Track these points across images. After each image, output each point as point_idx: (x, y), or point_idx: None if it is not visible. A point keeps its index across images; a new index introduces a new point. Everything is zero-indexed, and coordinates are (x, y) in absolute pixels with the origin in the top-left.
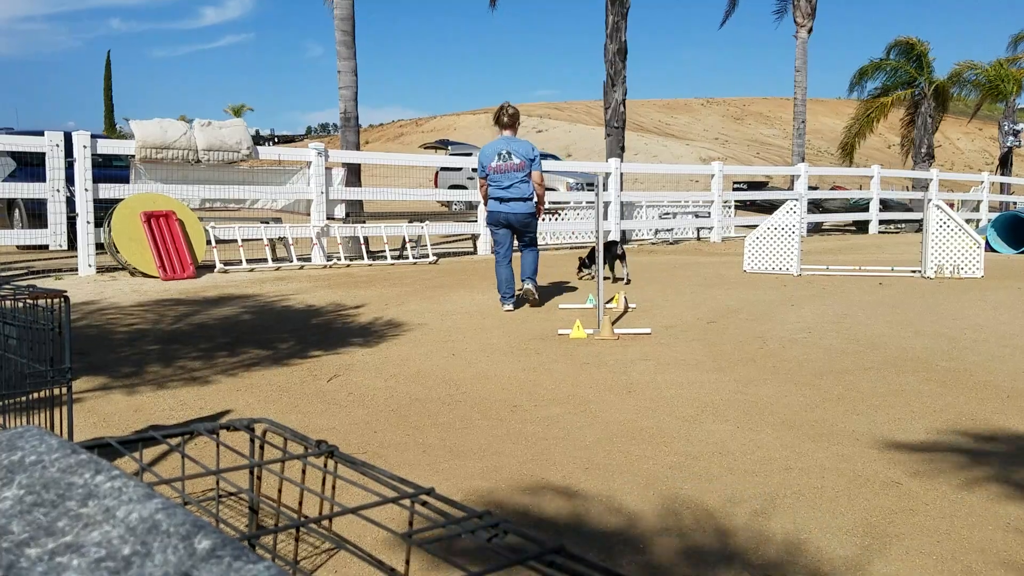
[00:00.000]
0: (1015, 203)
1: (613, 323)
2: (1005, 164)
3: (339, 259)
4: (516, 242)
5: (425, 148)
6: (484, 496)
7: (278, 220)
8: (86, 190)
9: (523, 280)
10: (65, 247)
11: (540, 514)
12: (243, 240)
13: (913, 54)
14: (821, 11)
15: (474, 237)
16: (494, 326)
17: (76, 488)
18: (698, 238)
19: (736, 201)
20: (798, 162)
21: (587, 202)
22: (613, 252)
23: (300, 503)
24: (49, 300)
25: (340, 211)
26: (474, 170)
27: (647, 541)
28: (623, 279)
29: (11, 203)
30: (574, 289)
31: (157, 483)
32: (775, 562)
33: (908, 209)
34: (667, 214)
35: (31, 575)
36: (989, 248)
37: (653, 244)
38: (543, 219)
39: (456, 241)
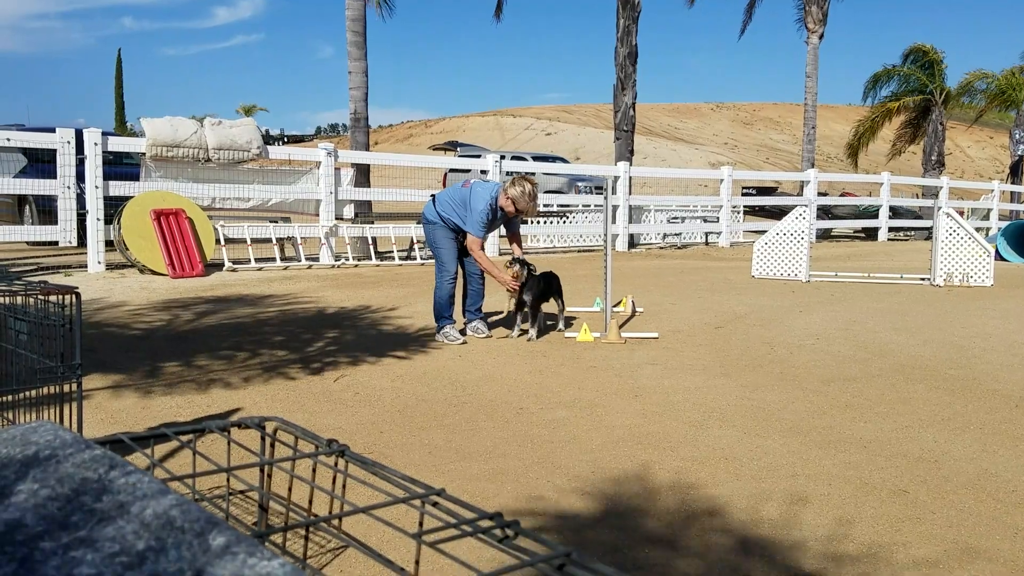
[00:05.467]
0: None
1: (620, 327)
2: (1016, 173)
3: (347, 259)
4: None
5: (434, 149)
6: (490, 498)
7: (287, 219)
8: (96, 187)
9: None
10: (75, 244)
11: (547, 517)
12: (252, 239)
13: (925, 61)
14: (832, 17)
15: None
16: (499, 328)
17: (90, 483)
18: (706, 243)
19: (745, 206)
20: (808, 168)
21: (595, 205)
22: (554, 286)
23: (310, 502)
24: (60, 296)
25: (349, 211)
26: (483, 172)
27: (652, 546)
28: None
29: (22, 199)
30: (580, 292)
31: (169, 479)
32: (780, 569)
33: (918, 216)
34: (675, 218)
35: (45, 568)
36: (999, 257)
37: (661, 248)
38: (548, 221)
39: None
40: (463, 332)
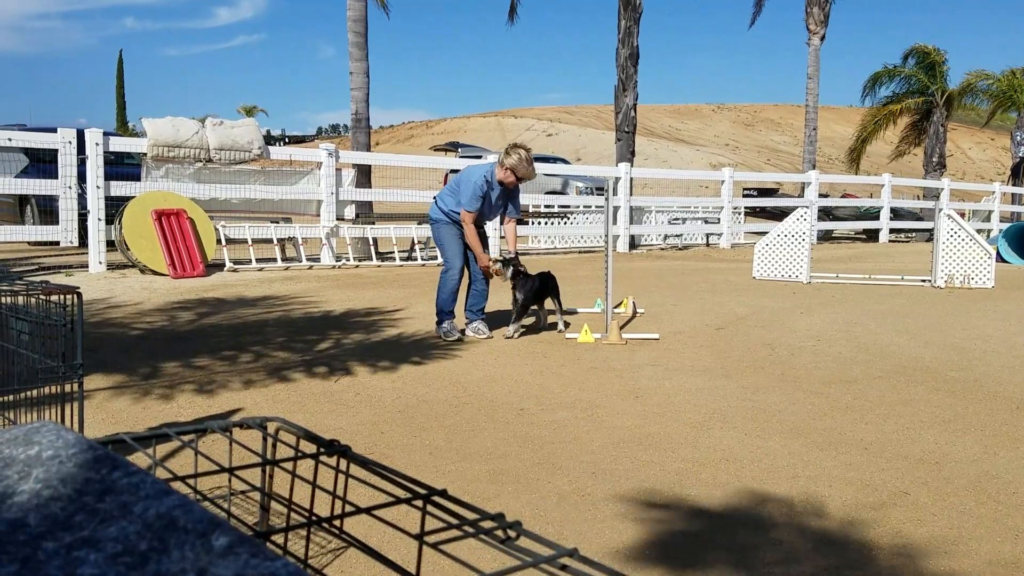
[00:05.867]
0: None
1: (621, 328)
2: (1017, 174)
3: (348, 260)
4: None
5: (435, 150)
6: (491, 499)
7: (288, 220)
8: (98, 187)
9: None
10: (76, 244)
11: (548, 518)
12: (253, 240)
13: (927, 62)
14: (834, 18)
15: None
16: (500, 329)
17: (93, 483)
18: (707, 244)
19: (746, 207)
20: (809, 169)
21: (596, 206)
22: (550, 286)
23: (311, 502)
24: (61, 296)
25: (350, 212)
26: None
27: (655, 547)
28: (556, 326)
29: (23, 199)
30: (581, 293)
31: (171, 479)
32: (782, 571)
33: (919, 218)
34: (677, 219)
35: (48, 568)
36: (1000, 258)
37: (662, 249)
38: (549, 222)
39: None
40: (463, 331)
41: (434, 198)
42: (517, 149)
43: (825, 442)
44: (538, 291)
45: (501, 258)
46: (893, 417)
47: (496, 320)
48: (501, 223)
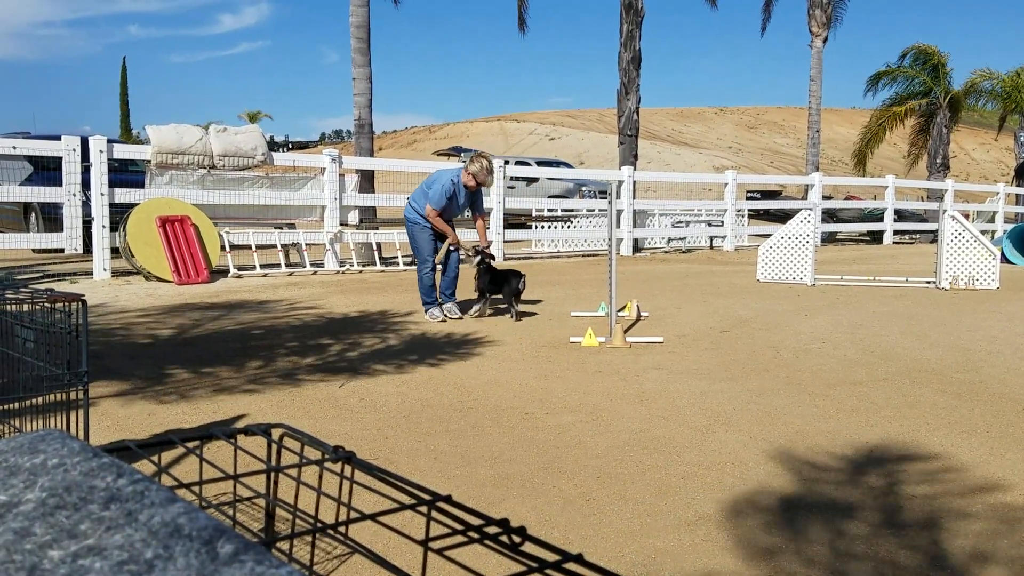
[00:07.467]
0: None
1: (625, 331)
2: (1021, 175)
3: (352, 265)
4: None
5: (438, 155)
6: (496, 503)
7: (291, 226)
8: (102, 194)
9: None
10: (80, 251)
11: (553, 523)
12: (257, 245)
13: (929, 63)
14: (837, 20)
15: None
16: (505, 332)
17: (98, 491)
18: (711, 247)
19: (749, 210)
20: (812, 172)
21: (600, 210)
22: (512, 286)
23: (316, 508)
24: (66, 303)
25: (353, 217)
26: None
27: (660, 551)
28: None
29: (27, 207)
30: (585, 297)
31: (176, 487)
32: (788, 574)
33: (923, 220)
34: (680, 223)
35: None
36: (1004, 260)
37: (666, 253)
38: (552, 226)
39: None
40: (445, 314)
41: (408, 200)
42: (480, 159)
43: (831, 445)
44: (496, 282)
45: (474, 246)
46: (899, 419)
47: (483, 314)
48: (475, 219)
